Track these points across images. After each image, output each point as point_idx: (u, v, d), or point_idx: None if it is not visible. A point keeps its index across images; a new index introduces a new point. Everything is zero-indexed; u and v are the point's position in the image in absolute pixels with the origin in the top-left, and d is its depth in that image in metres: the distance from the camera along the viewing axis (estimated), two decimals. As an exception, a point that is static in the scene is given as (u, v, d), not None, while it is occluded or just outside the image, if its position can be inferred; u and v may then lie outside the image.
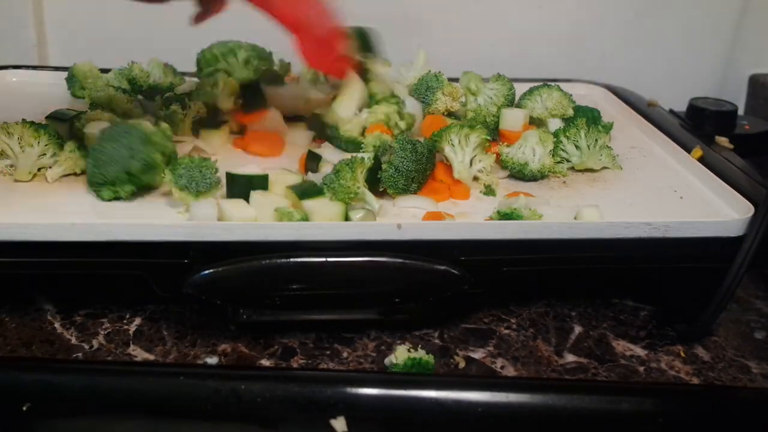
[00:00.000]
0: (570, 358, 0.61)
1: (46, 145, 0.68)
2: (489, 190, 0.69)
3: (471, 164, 0.69)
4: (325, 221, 0.60)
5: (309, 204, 0.61)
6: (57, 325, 0.62)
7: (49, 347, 0.60)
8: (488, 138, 0.70)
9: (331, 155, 0.70)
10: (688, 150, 0.75)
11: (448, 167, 0.69)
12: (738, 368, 0.60)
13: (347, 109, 0.74)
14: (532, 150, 0.71)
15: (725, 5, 1.11)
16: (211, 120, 0.78)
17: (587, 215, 0.62)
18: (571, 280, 0.68)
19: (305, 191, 0.62)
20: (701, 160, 0.73)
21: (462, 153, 0.68)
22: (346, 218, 0.61)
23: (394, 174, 0.64)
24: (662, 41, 1.13)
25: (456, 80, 0.92)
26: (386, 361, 0.58)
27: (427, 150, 0.67)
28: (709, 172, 0.70)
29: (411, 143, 0.65)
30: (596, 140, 0.73)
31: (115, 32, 1.04)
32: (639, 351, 0.62)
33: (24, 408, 0.51)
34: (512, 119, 0.78)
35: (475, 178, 0.70)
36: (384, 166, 0.65)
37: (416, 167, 0.65)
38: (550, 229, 0.59)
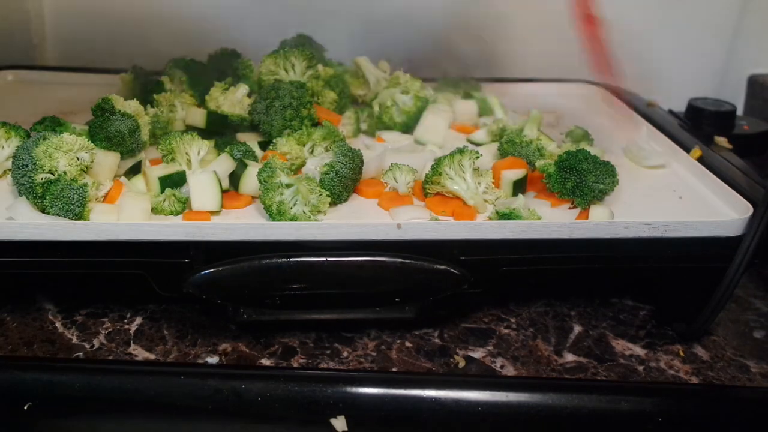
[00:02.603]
0: (569, 357, 0.61)
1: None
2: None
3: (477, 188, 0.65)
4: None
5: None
6: (58, 324, 0.62)
7: (50, 347, 0.60)
8: (478, 155, 0.66)
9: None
10: (688, 150, 0.76)
11: (452, 199, 0.65)
12: (737, 368, 0.60)
13: None
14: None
15: (725, 5, 1.11)
16: None
17: (598, 215, 0.62)
18: (570, 279, 0.68)
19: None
20: (700, 160, 0.73)
21: (464, 182, 0.64)
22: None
23: (334, 177, 0.63)
24: (662, 41, 1.13)
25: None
26: None
27: (360, 160, 0.66)
28: (708, 172, 0.70)
29: (350, 151, 0.65)
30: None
31: (116, 32, 1.04)
32: (638, 350, 0.62)
33: (25, 407, 0.51)
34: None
35: (486, 200, 0.66)
36: (325, 169, 0.64)
37: (351, 175, 0.64)
38: (549, 229, 0.59)
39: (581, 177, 0.64)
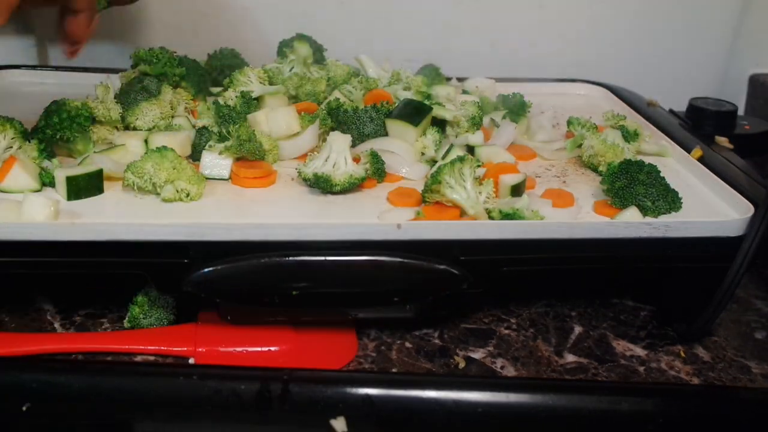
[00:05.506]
0: (570, 358, 0.61)
1: (12, 138, 0.67)
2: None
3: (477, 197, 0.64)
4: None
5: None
6: (57, 325, 0.62)
7: (49, 347, 0.60)
8: (479, 164, 0.66)
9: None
10: (688, 150, 0.75)
11: (450, 208, 0.63)
12: (738, 368, 0.60)
13: None
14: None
15: (725, 5, 1.11)
16: None
17: (628, 216, 0.63)
18: (571, 280, 0.68)
19: None
20: (701, 160, 0.73)
21: (464, 191, 0.63)
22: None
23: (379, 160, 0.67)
24: (662, 41, 1.13)
25: (460, 80, 0.92)
26: None
27: None
28: (709, 172, 0.70)
29: None
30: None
31: (115, 32, 1.04)
32: (639, 351, 0.62)
33: (24, 408, 0.51)
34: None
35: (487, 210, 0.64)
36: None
37: None
38: (549, 229, 0.59)
39: (631, 183, 0.64)
